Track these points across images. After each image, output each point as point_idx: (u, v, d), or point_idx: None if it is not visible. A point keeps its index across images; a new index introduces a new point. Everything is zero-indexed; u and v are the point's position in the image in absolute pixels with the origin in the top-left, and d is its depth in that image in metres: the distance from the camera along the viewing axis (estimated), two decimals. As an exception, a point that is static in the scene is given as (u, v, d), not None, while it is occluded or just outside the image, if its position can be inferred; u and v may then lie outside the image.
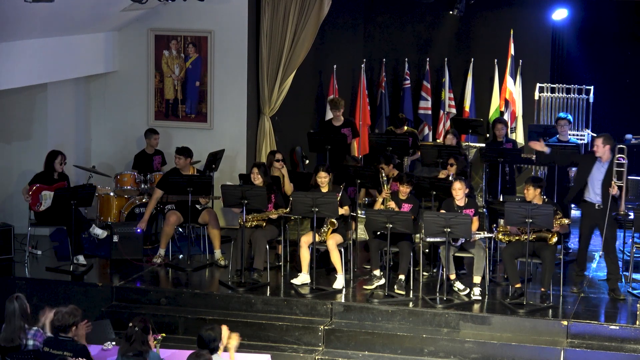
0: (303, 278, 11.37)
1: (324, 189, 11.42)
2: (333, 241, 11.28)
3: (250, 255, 11.54)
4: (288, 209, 11.50)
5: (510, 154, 12.88)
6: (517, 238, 10.91)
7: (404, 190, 11.36)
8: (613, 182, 10.95)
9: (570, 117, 13.54)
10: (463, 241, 11.05)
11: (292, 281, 11.39)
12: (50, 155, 12.18)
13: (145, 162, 13.20)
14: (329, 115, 14.43)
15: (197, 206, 12.14)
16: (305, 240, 11.33)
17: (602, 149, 11.08)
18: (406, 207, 11.33)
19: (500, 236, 11.07)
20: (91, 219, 12.63)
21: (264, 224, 11.53)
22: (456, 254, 11.18)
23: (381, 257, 11.38)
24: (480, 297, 11.02)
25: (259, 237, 11.42)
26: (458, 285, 11.18)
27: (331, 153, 13.17)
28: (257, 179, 11.59)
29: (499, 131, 13.39)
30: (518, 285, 10.97)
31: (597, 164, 11.15)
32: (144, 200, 12.74)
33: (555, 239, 10.82)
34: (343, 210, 11.30)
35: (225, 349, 8.06)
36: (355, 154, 14.13)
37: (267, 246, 11.52)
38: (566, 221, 10.98)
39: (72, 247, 11.89)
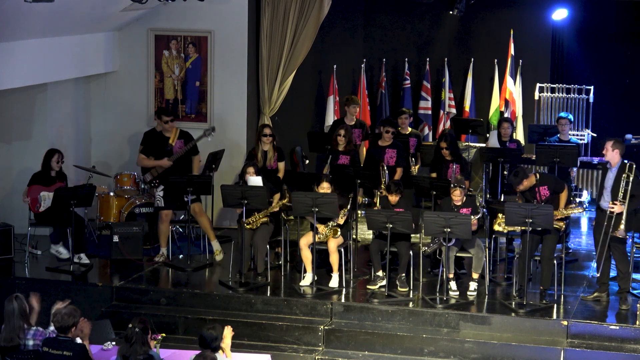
0: (309, 278, 11.34)
1: None
2: (335, 243, 11.26)
3: (252, 255, 11.54)
4: (287, 199, 11.49)
5: (511, 154, 12.86)
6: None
7: (393, 199, 11.31)
8: (611, 202, 10.54)
9: (571, 116, 13.53)
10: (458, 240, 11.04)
11: (300, 284, 11.31)
12: (48, 154, 12.16)
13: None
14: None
15: (185, 198, 11.99)
16: (305, 242, 11.29)
17: (610, 153, 10.69)
18: None
19: (496, 227, 11.05)
20: (91, 219, 12.62)
21: (267, 219, 11.52)
22: (456, 254, 11.17)
23: (382, 257, 11.37)
24: (474, 293, 11.01)
25: (260, 239, 11.41)
26: (452, 285, 11.11)
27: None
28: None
29: (505, 130, 13.34)
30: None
31: (609, 170, 10.79)
32: (143, 200, 12.73)
33: (563, 226, 10.77)
34: (341, 219, 11.28)
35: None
36: (363, 156, 13.96)
37: (268, 247, 11.53)
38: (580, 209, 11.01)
39: (72, 247, 11.89)
